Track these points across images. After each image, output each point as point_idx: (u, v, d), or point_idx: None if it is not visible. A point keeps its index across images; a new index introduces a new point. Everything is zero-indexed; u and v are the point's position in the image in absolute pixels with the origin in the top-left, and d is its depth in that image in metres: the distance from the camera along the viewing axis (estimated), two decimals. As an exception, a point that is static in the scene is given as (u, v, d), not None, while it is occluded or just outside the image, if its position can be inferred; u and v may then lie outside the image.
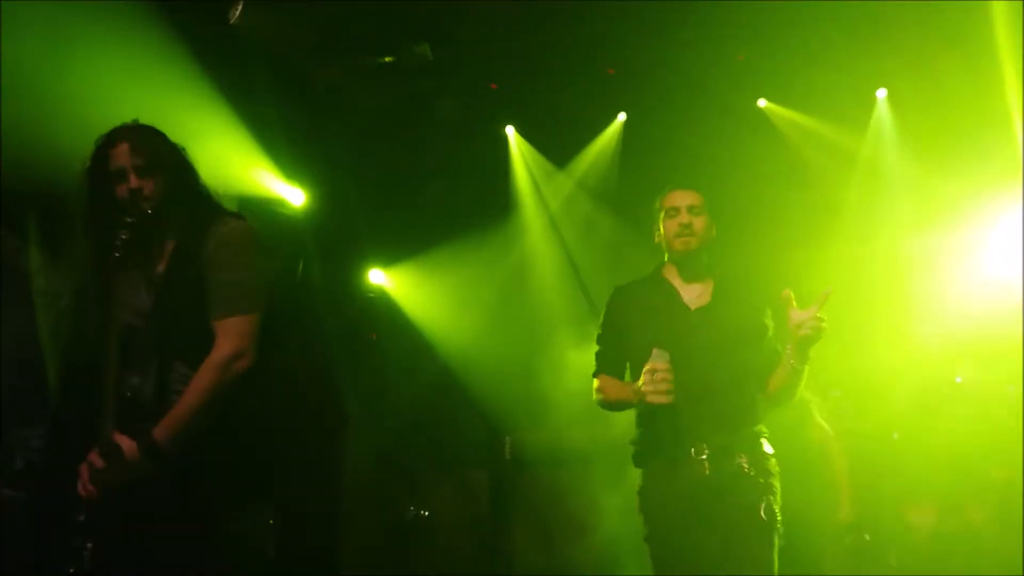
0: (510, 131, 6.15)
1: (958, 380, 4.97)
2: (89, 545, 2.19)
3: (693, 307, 2.91)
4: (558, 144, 6.06)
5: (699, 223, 2.94)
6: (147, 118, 2.58)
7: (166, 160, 2.46)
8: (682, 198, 2.98)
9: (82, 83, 3.72)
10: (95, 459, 2.22)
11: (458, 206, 6.18)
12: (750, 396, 2.83)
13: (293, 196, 5.42)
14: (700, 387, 2.72)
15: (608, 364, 2.98)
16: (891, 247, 5.36)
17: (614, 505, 4.82)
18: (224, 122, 4.41)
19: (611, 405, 2.92)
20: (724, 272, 3.02)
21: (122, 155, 2.41)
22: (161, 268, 2.42)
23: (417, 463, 5.92)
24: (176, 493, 2.25)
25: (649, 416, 2.82)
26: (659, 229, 3.02)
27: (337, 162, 5.72)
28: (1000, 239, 5.29)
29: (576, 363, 5.37)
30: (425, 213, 6.12)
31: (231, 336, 2.32)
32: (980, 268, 5.18)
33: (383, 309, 6.26)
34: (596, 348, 3.03)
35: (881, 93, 5.63)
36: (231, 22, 4.57)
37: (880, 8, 4.93)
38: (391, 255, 6.23)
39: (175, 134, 2.59)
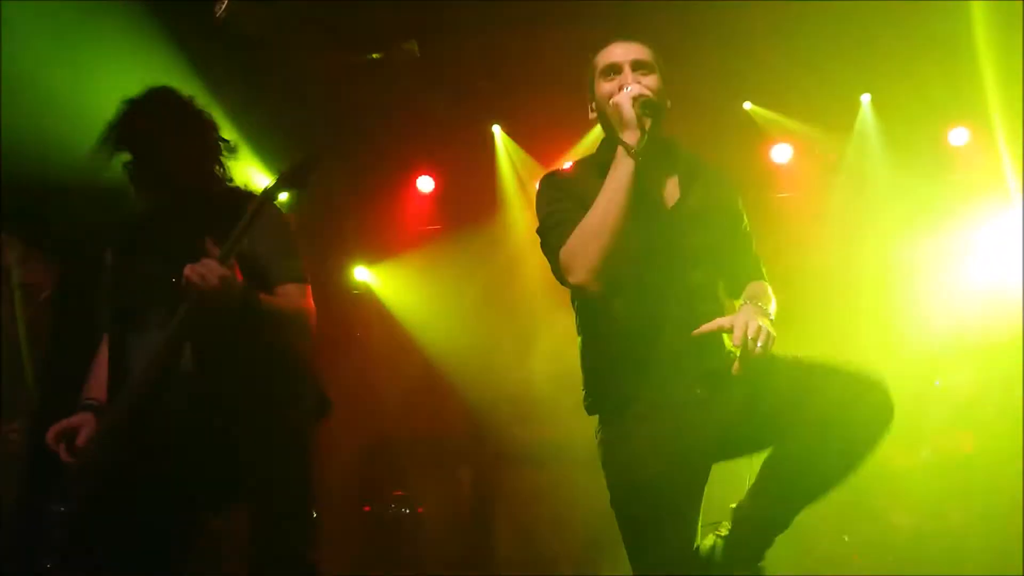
0: (497, 130, 6.14)
1: (937, 383, 5.00)
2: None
3: (669, 203, 2.25)
4: (544, 144, 6.06)
5: (650, 84, 2.24)
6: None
7: (191, 140, 2.43)
8: (624, 51, 2.29)
9: (66, 79, 3.70)
10: (208, 264, 2.14)
11: (445, 204, 6.18)
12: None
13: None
14: (684, 312, 2.12)
15: None
16: (875, 250, 5.39)
17: (597, 504, 4.82)
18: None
19: (602, 228, 2.06)
20: (684, 150, 2.40)
21: (150, 137, 2.36)
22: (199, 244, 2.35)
23: (402, 460, 5.91)
24: (164, 489, 2.24)
25: (612, 351, 2.20)
26: (593, 99, 2.32)
27: (323, 158, 5.68)
28: (984, 244, 5.34)
29: (561, 361, 5.38)
30: (411, 210, 6.11)
31: (302, 300, 2.40)
32: (964, 272, 5.22)
33: (369, 306, 6.25)
34: (553, 236, 2.21)
35: (865, 98, 5.67)
36: (217, 17, 4.54)
37: (864, 13, 4.96)
38: (377, 252, 6.22)
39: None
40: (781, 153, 5.78)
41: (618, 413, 2.19)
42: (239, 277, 2.21)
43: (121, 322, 2.40)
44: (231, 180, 2.51)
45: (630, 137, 2.12)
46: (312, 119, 5.58)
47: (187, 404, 2.27)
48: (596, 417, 2.28)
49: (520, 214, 6.16)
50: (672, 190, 2.28)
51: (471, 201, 6.19)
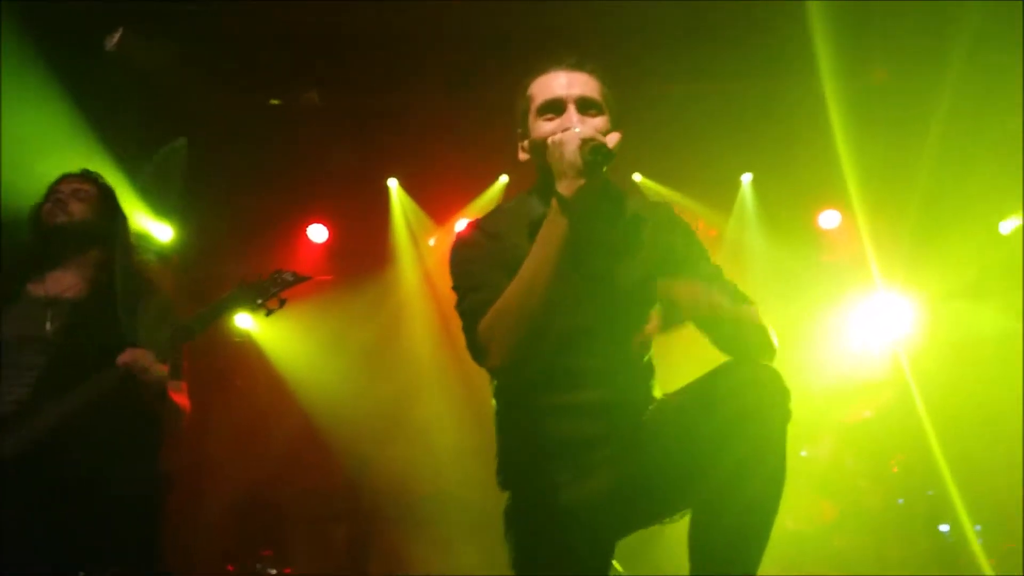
0: (392, 184, 6.16)
1: (803, 454, 5.22)
2: None
3: (606, 270, 1.92)
4: (439, 200, 6.10)
5: (598, 126, 1.90)
6: (7, 143, 2.53)
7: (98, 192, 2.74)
8: (568, 84, 1.91)
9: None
10: (149, 357, 2.39)
11: (336, 254, 6.11)
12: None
13: (160, 232, 5.24)
14: (615, 393, 1.90)
15: None
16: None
17: (475, 564, 4.77)
18: (89, 151, 4.22)
19: (526, 301, 1.74)
20: (630, 199, 2.07)
21: (66, 183, 2.71)
22: (74, 294, 2.54)
23: (276, 516, 5.71)
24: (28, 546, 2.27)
25: (531, 430, 1.91)
26: (526, 137, 1.94)
27: (211, 200, 5.57)
28: (849, 324, 5.64)
29: (445, 420, 5.34)
30: (301, 258, 6.01)
31: (184, 399, 2.67)
32: (830, 350, 5.48)
33: (250, 355, 6.07)
34: (469, 302, 1.89)
35: (746, 177, 5.95)
36: (107, 49, 4.41)
37: (747, 96, 5.24)
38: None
39: (36, 161, 2.53)
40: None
41: (530, 488, 1.95)
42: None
43: None
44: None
45: (567, 188, 1.76)
46: (204, 160, 5.46)
47: (52, 466, 2.32)
48: (493, 487, 2.05)
49: (411, 269, 6.16)
50: (611, 253, 1.94)
51: (362, 253, 6.15)
